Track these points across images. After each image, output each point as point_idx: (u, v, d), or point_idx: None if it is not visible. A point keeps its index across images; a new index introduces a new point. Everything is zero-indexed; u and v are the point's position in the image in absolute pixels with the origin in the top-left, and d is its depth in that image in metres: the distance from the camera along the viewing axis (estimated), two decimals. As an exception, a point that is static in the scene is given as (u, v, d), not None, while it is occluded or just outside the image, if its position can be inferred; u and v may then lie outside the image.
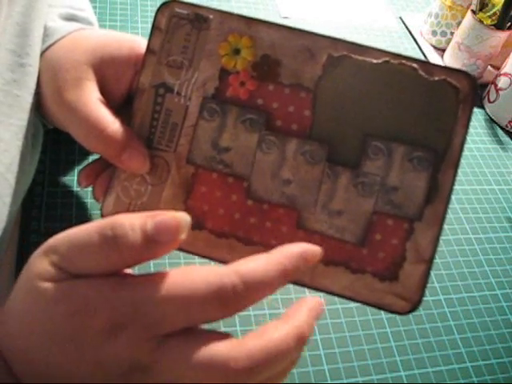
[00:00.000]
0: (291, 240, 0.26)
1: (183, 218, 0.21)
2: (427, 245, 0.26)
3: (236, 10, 0.69)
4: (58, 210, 0.42)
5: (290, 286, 0.39)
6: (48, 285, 0.20)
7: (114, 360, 0.19)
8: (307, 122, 0.27)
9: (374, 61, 0.26)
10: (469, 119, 0.26)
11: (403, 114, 0.26)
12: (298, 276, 0.22)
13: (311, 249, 0.22)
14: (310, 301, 0.22)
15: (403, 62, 0.26)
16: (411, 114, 0.26)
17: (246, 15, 0.27)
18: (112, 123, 0.28)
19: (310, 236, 0.26)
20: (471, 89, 0.26)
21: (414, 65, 0.26)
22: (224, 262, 0.26)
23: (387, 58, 0.26)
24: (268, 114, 0.27)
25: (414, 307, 0.26)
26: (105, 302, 0.20)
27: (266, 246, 0.26)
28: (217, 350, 0.20)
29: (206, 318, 0.20)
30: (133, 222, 0.20)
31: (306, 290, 0.27)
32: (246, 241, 0.26)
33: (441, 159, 0.26)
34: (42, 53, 0.32)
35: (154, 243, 0.20)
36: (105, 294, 0.20)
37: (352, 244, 0.26)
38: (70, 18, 0.35)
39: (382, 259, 0.26)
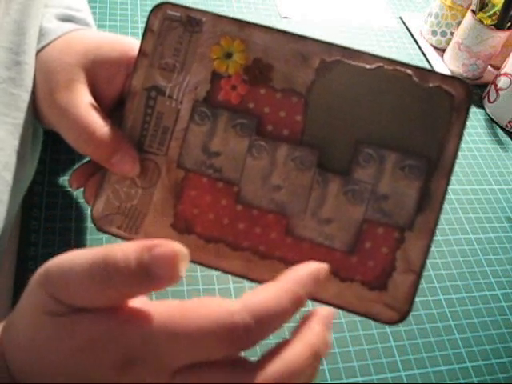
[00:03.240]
0: (280, 246, 0.26)
1: (181, 251, 0.19)
2: (417, 255, 0.25)
3: (236, 11, 0.69)
4: (57, 210, 0.42)
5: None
6: (49, 319, 0.19)
7: None
8: (298, 128, 0.26)
9: (368, 66, 0.26)
10: (463, 127, 0.25)
11: (396, 121, 0.26)
12: (311, 296, 0.22)
13: (319, 267, 0.22)
14: (321, 312, 0.21)
15: (397, 67, 0.25)
16: (404, 121, 0.26)
17: (239, 18, 0.27)
18: (102, 126, 0.28)
19: (298, 243, 0.26)
20: (466, 96, 0.25)
21: (408, 71, 0.25)
22: (210, 266, 0.26)
23: (381, 64, 0.26)
24: (259, 119, 0.26)
25: (403, 317, 0.25)
26: (111, 338, 0.19)
27: (255, 252, 0.26)
28: (237, 376, 0.19)
29: (215, 355, 0.19)
30: (127, 255, 0.18)
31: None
32: (235, 246, 0.26)
33: (433, 168, 0.25)
34: (37, 53, 0.32)
35: (150, 277, 0.18)
36: (110, 330, 0.19)
37: (341, 252, 0.26)
38: (67, 19, 0.35)
39: (372, 268, 0.26)
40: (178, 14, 0.27)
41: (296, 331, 0.21)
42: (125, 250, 0.18)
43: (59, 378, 0.19)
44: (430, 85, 0.25)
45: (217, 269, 0.26)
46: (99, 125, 0.28)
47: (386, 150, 0.26)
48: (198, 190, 0.27)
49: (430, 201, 0.25)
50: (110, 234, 0.27)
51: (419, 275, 0.25)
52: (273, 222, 0.26)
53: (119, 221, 0.27)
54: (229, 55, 0.27)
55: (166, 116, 0.27)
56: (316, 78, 0.26)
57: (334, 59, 0.26)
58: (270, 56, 0.26)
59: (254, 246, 0.26)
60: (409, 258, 0.25)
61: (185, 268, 0.19)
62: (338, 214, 0.26)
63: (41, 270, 0.20)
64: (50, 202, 0.42)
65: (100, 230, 0.27)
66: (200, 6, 0.74)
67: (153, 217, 0.27)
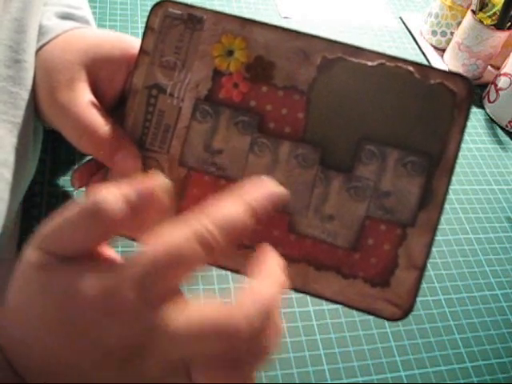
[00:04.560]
0: (283, 244, 0.26)
1: (163, 181, 0.20)
2: (420, 251, 0.25)
3: (236, 11, 0.69)
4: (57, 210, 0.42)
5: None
6: (36, 272, 0.20)
7: (109, 339, 0.19)
8: (300, 125, 0.26)
9: (369, 63, 0.26)
10: (465, 124, 0.25)
11: (398, 118, 0.26)
12: (266, 214, 0.22)
13: (278, 191, 0.22)
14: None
15: (399, 64, 0.25)
16: (406, 118, 0.26)
17: (240, 16, 0.27)
18: (104, 125, 0.28)
19: (301, 240, 0.26)
20: (468, 93, 0.25)
21: (410, 68, 0.25)
22: (214, 265, 0.26)
23: (383, 61, 0.26)
24: (261, 117, 0.26)
25: (405, 314, 0.25)
26: (89, 285, 0.19)
27: None
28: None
29: (193, 263, 0.20)
30: (113, 191, 0.20)
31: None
32: (238, 244, 0.26)
33: (435, 165, 0.25)
34: (36, 51, 0.32)
35: (134, 208, 0.20)
36: (88, 277, 0.20)
37: (344, 249, 0.26)
38: (66, 17, 0.35)
39: (374, 265, 0.26)
40: (178, 12, 0.27)
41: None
42: (109, 188, 0.20)
43: (48, 335, 0.20)
44: (432, 82, 0.25)
45: (220, 267, 0.26)
46: (101, 123, 0.28)
47: (388, 146, 0.26)
48: (200, 188, 0.27)
49: (432, 197, 0.25)
50: None
51: (422, 272, 0.25)
52: (276, 220, 0.26)
53: None
54: (230, 53, 0.27)
55: (167, 114, 0.27)
56: (318, 75, 0.26)
57: (335, 56, 0.26)
58: (272, 53, 0.26)
59: (257, 244, 0.26)
60: (411, 254, 0.25)
61: (167, 196, 0.20)
62: (340, 211, 0.26)
63: (34, 234, 0.21)
64: (50, 202, 0.42)
65: None
66: (200, 6, 0.73)
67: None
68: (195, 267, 0.20)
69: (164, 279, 0.20)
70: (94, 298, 0.19)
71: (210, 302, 0.20)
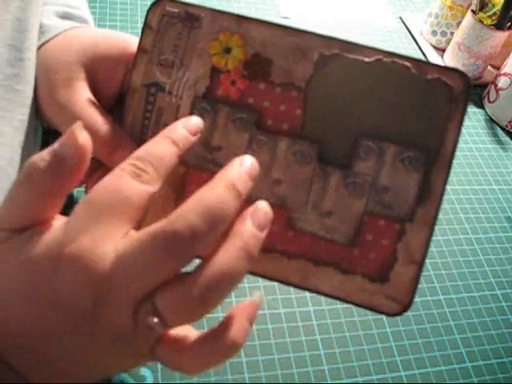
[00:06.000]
0: (281, 240, 0.26)
1: (75, 125, 0.21)
2: (418, 246, 0.25)
3: (236, 10, 0.69)
4: (57, 210, 0.42)
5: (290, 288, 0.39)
6: None
7: (69, 296, 0.20)
8: (298, 122, 0.26)
9: (366, 59, 0.26)
10: (462, 119, 0.25)
11: (395, 114, 0.26)
12: (185, 142, 0.24)
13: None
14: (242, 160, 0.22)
15: (395, 60, 0.26)
16: (403, 114, 0.26)
17: (238, 13, 0.27)
18: (103, 123, 0.28)
19: (300, 236, 0.26)
20: (465, 88, 0.25)
21: (407, 63, 0.25)
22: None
23: (379, 57, 0.26)
24: (259, 114, 0.26)
25: (405, 309, 0.25)
26: (37, 249, 0.20)
27: None
28: (154, 225, 0.20)
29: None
30: (40, 153, 0.21)
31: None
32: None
33: (433, 160, 0.25)
34: (37, 50, 0.32)
35: (62, 160, 0.20)
36: (34, 242, 0.20)
37: (343, 244, 0.26)
38: (66, 17, 0.36)
39: (373, 260, 0.26)
40: (176, 10, 0.27)
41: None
42: (38, 153, 0.21)
43: (14, 305, 0.20)
44: (429, 77, 0.25)
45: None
46: (99, 122, 0.28)
47: (386, 142, 0.26)
48: (199, 186, 0.27)
49: (430, 192, 0.25)
50: None
51: (420, 266, 0.25)
52: (274, 216, 0.26)
53: None
54: (228, 50, 0.27)
55: (166, 112, 0.27)
56: (315, 71, 0.26)
57: (332, 53, 0.26)
58: (269, 50, 0.26)
59: None
60: (410, 249, 0.25)
61: (83, 135, 0.21)
62: (338, 206, 0.26)
63: None
64: (49, 201, 0.42)
65: None
66: (200, 6, 0.73)
67: (154, 213, 0.27)
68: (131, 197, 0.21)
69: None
70: (42, 260, 0.20)
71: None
